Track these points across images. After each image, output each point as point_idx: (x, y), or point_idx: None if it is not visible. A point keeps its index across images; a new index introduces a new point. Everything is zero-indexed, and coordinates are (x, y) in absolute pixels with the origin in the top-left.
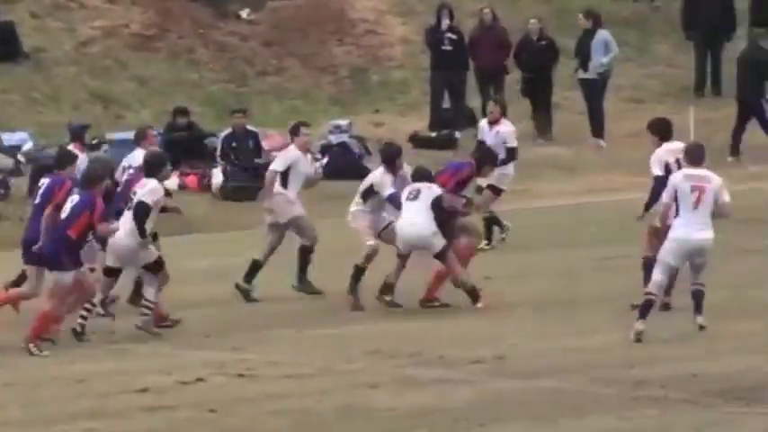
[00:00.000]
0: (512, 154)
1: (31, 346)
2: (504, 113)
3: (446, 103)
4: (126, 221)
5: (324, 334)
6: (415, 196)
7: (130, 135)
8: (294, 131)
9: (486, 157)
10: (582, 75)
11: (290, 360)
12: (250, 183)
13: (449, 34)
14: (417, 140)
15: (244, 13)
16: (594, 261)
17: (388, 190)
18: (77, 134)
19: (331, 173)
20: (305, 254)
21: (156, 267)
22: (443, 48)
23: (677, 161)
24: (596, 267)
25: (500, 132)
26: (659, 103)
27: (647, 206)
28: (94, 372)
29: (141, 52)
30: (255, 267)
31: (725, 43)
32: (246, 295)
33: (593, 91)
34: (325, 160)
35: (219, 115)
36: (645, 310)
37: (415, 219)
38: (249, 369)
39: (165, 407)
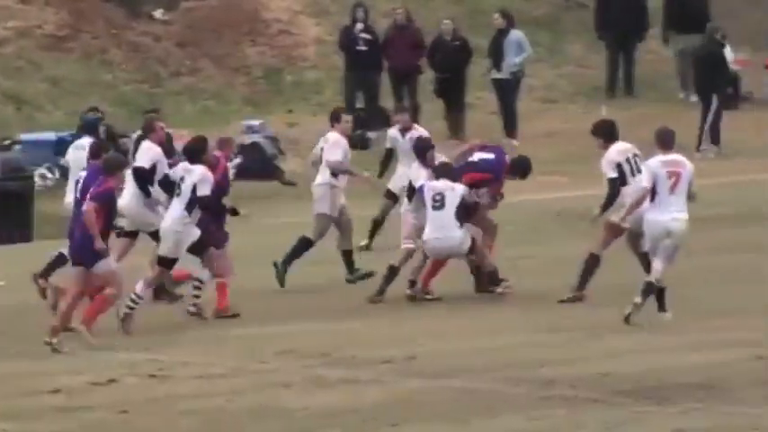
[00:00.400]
0: None
1: (82, 327)
2: (414, 119)
3: (360, 104)
4: (176, 208)
5: (236, 334)
6: (440, 204)
7: (43, 136)
8: (336, 118)
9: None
10: (495, 75)
11: (201, 360)
12: None
13: (363, 35)
14: None
15: (157, 14)
16: (507, 261)
17: (418, 182)
18: (90, 126)
19: (243, 173)
20: (306, 245)
21: (166, 263)
22: (358, 48)
23: (627, 160)
24: (508, 267)
25: (413, 138)
26: (571, 102)
27: (604, 208)
28: (6, 372)
29: (54, 53)
30: (348, 256)
31: (637, 43)
32: (362, 277)
33: (507, 91)
34: (237, 160)
35: (132, 116)
36: (660, 298)
37: (440, 232)
38: (161, 369)
39: (77, 408)
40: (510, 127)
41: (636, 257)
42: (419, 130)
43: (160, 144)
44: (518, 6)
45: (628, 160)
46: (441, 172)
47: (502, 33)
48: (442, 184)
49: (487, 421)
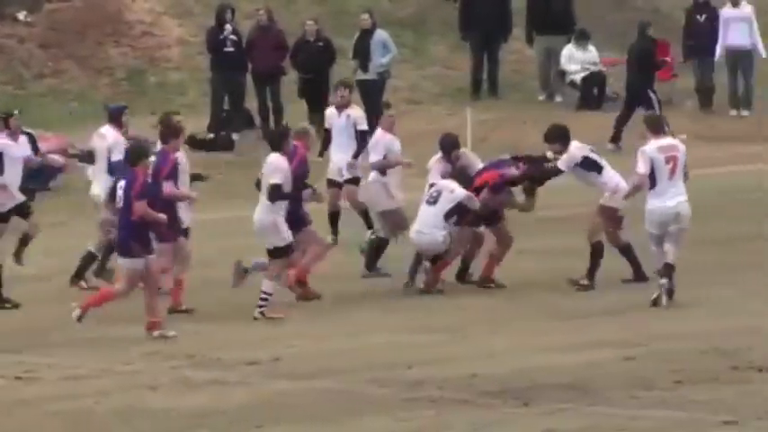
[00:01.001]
0: (365, 137)
1: (79, 312)
2: (277, 120)
3: (225, 105)
4: (262, 200)
5: (102, 336)
6: (433, 201)
7: None
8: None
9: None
10: (361, 75)
11: (68, 362)
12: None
13: (231, 36)
14: (195, 142)
15: (21, 15)
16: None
17: (432, 178)
18: (114, 116)
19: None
20: (383, 245)
21: (280, 254)
22: (225, 50)
23: (592, 150)
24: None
25: (351, 116)
26: (436, 104)
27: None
28: None
29: None
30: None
31: (501, 44)
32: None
33: (372, 92)
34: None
35: None
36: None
37: (425, 228)
38: (27, 371)
39: None
40: (375, 128)
41: (617, 250)
42: (356, 109)
43: None
44: (383, 7)
45: (592, 150)
46: (457, 178)
47: (367, 34)
48: (446, 183)
49: (355, 422)
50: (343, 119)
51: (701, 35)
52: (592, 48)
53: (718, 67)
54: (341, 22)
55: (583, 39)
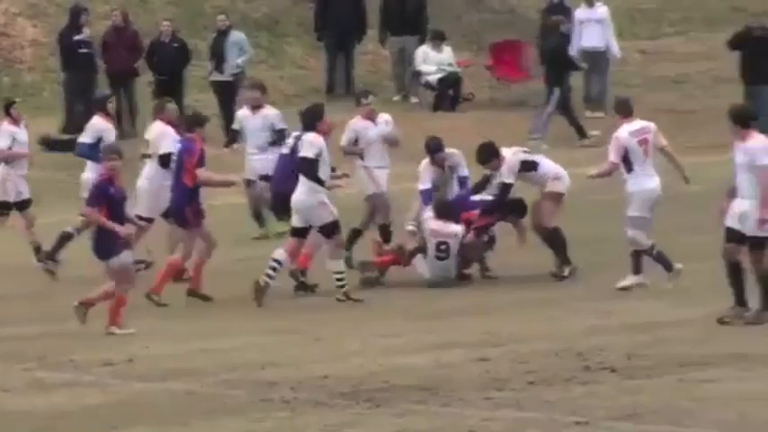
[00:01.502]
0: (282, 136)
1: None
2: (132, 122)
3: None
4: (303, 181)
5: None
6: (445, 255)
7: None
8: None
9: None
10: (216, 77)
11: None
12: None
13: (84, 36)
14: (49, 143)
15: None
16: (234, 262)
17: (422, 184)
18: (100, 104)
19: None
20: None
21: (332, 230)
22: (80, 50)
23: (525, 152)
24: (233, 269)
25: (267, 116)
26: (291, 104)
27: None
28: None
29: None
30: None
31: (356, 45)
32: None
33: (227, 93)
34: None
35: None
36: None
37: (443, 273)
38: None
39: None
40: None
41: (542, 239)
42: (271, 108)
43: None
44: (239, 8)
45: (524, 151)
46: (442, 211)
47: (223, 35)
48: (446, 229)
49: (208, 424)
50: (259, 119)
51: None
52: (447, 49)
53: None
54: (196, 24)
55: (438, 40)
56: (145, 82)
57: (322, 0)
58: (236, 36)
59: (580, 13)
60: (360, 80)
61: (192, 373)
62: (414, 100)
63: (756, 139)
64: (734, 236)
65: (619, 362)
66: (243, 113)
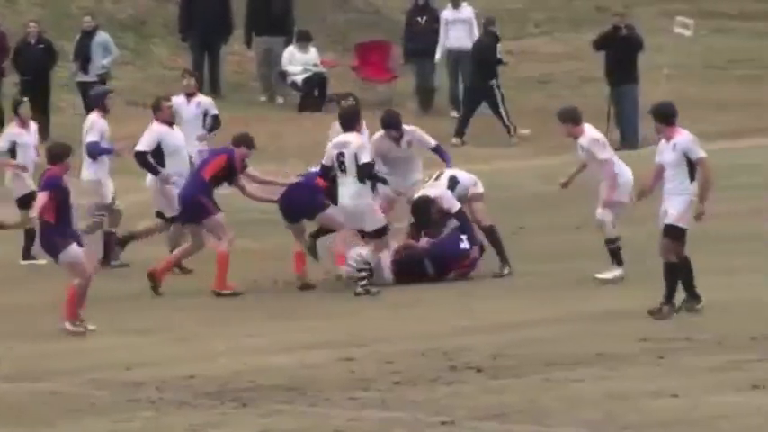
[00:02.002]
0: (217, 122)
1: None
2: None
3: None
4: (349, 184)
5: None
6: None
7: None
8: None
9: None
10: (81, 77)
11: None
12: None
13: None
14: None
15: None
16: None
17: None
18: (98, 100)
19: None
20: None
21: (383, 233)
22: None
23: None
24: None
25: (201, 103)
26: None
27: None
28: None
29: None
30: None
31: (221, 45)
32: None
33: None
34: None
35: None
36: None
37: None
38: None
39: None
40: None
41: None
42: (203, 97)
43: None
44: (105, 9)
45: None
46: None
47: (88, 36)
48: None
49: (73, 424)
50: (194, 106)
51: (421, 37)
52: (312, 49)
53: (438, 68)
54: (63, 25)
55: (304, 40)
56: (11, 83)
57: (186, 0)
58: (102, 37)
59: (446, 13)
60: (226, 80)
61: (56, 373)
62: (280, 101)
63: (684, 135)
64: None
65: (484, 361)
66: (178, 100)
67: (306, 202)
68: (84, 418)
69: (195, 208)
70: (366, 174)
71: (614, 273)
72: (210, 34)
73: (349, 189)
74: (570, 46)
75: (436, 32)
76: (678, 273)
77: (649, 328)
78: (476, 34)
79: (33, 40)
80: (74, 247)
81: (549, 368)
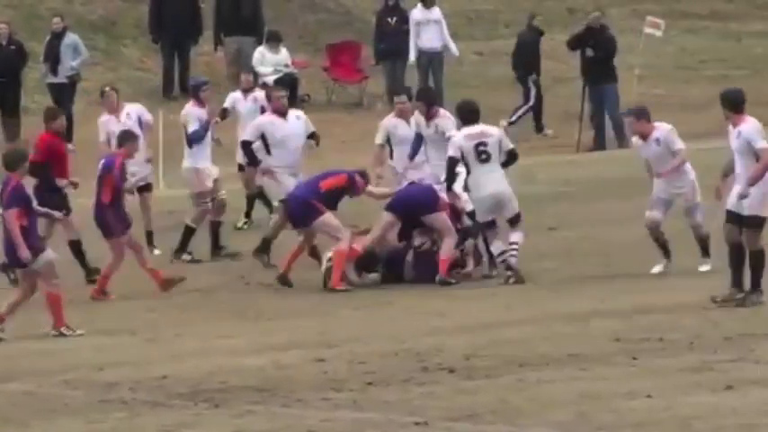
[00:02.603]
0: None
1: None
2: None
3: None
4: (494, 172)
5: None
6: None
7: None
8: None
9: None
10: (51, 79)
11: None
12: None
13: None
14: None
15: None
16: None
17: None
18: (195, 91)
19: None
20: None
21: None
22: None
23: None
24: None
25: (257, 99)
26: None
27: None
28: None
29: None
30: None
31: (191, 46)
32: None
33: (63, 95)
34: None
35: None
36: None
37: None
38: None
39: None
40: (66, 130)
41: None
42: (260, 93)
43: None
44: (75, 10)
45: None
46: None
47: (58, 37)
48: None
49: (47, 425)
50: (250, 102)
51: (392, 38)
52: (283, 50)
53: (409, 68)
54: (33, 26)
55: (274, 40)
56: None
57: (156, 1)
58: (71, 38)
59: (417, 13)
60: None
61: (29, 373)
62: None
63: (749, 123)
64: (732, 218)
65: (457, 362)
66: (235, 95)
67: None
68: (57, 419)
69: (305, 210)
70: (515, 159)
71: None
72: (181, 35)
73: (495, 176)
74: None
75: (407, 33)
76: (764, 259)
77: (622, 328)
78: (446, 34)
79: (4, 41)
80: (48, 250)
81: (522, 369)
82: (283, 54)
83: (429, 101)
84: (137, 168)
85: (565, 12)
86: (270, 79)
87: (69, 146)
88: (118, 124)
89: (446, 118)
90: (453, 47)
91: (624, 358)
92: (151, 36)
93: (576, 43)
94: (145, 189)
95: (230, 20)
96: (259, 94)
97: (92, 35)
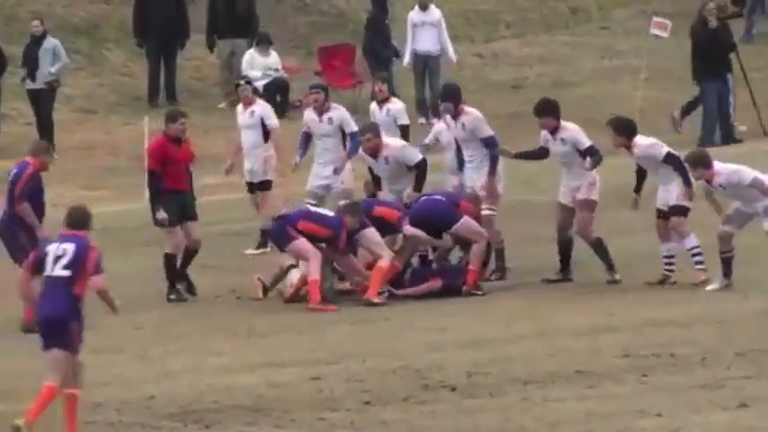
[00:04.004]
0: (406, 131)
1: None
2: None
3: None
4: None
5: None
6: None
7: None
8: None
9: None
10: (30, 85)
11: None
12: None
13: None
14: None
15: None
16: None
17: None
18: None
19: None
20: None
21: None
22: None
23: None
24: None
25: (390, 110)
26: (113, 113)
27: None
28: None
29: None
30: None
31: (178, 51)
32: None
33: (42, 101)
34: None
35: None
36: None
37: None
38: None
39: None
40: (47, 139)
41: None
42: (397, 102)
43: None
44: (56, 12)
45: None
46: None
47: (37, 41)
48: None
49: None
50: (384, 113)
51: (387, 41)
52: (274, 53)
53: (405, 73)
54: (12, 29)
55: (264, 43)
56: None
57: (141, 3)
58: (51, 42)
59: (414, 16)
60: (184, 87)
61: (13, 393)
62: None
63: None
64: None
65: (459, 380)
66: (372, 108)
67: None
68: None
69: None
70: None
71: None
72: (167, 39)
73: (675, 181)
74: (543, 48)
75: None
76: None
77: (631, 343)
78: (445, 37)
79: None
80: None
81: (527, 386)
82: (273, 57)
83: (457, 99)
84: (251, 166)
85: (567, 12)
86: (259, 84)
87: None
88: (242, 116)
89: (472, 115)
90: (452, 52)
91: (634, 375)
92: (136, 40)
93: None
94: (261, 187)
95: (224, 19)
96: (394, 105)
97: (73, 39)
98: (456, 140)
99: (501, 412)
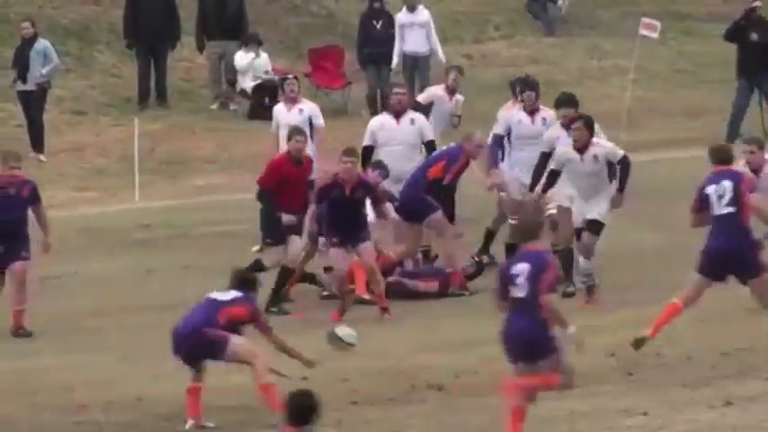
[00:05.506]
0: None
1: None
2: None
3: None
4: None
5: None
6: None
7: None
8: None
9: None
10: (20, 87)
11: None
12: None
13: None
14: None
15: None
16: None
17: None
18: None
19: None
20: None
21: None
22: None
23: None
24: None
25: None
26: (103, 114)
27: None
28: None
29: None
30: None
31: (168, 52)
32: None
33: (33, 103)
34: None
35: None
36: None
37: None
38: None
39: None
40: (36, 141)
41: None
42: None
43: None
44: (46, 14)
45: None
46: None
47: (28, 43)
48: None
49: None
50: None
51: (377, 42)
52: (263, 55)
53: (394, 74)
54: (2, 31)
55: (253, 44)
56: None
57: (131, 5)
58: (41, 44)
59: (401, 17)
60: (174, 88)
61: (1, 395)
62: (233, 107)
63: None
64: None
65: (446, 380)
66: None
67: None
68: None
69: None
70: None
71: None
72: (157, 40)
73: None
74: (532, 50)
75: (392, 37)
76: None
77: (618, 343)
78: (434, 38)
79: None
80: None
81: None
82: (263, 59)
83: (538, 90)
84: None
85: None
86: (248, 86)
87: (41, 156)
88: (288, 115)
89: (549, 111)
90: (441, 53)
91: (619, 374)
92: (126, 41)
93: (733, 34)
94: None
95: (214, 21)
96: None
97: (63, 40)
98: (504, 136)
99: (488, 412)
